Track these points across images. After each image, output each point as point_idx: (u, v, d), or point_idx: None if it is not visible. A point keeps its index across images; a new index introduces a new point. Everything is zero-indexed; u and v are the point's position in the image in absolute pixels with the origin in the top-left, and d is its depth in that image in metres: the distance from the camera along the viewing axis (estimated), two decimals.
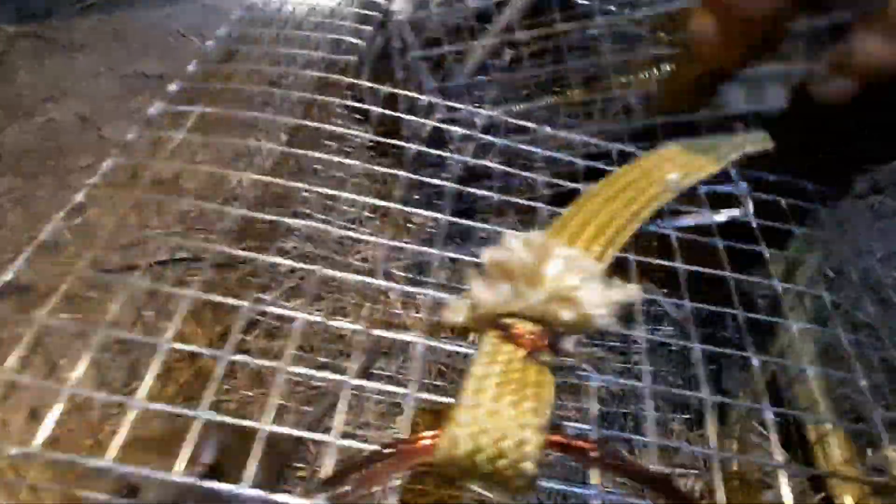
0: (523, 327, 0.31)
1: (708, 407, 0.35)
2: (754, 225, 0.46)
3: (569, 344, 0.32)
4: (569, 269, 0.31)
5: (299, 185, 0.46)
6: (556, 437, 0.29)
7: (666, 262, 0.41)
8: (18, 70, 1.37)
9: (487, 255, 0.32)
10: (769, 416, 0.36)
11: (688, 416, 0.78)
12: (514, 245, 0.31)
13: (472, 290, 0.32)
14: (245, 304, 0.36)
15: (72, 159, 1.14)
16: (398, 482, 0.56)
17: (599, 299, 0.30)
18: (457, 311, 0.33)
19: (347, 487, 0.30)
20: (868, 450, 0.62)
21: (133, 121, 0.49)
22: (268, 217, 0.43)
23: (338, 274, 0.40)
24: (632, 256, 0.41)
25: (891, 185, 1.03)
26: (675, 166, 0.47)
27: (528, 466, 0.27)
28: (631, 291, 0.32)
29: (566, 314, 0.30)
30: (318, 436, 0.32)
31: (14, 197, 1.06)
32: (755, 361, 0.37)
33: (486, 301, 0.32)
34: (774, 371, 0.66)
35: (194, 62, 0.54)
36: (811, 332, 0.58)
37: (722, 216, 0.47)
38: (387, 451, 0.30)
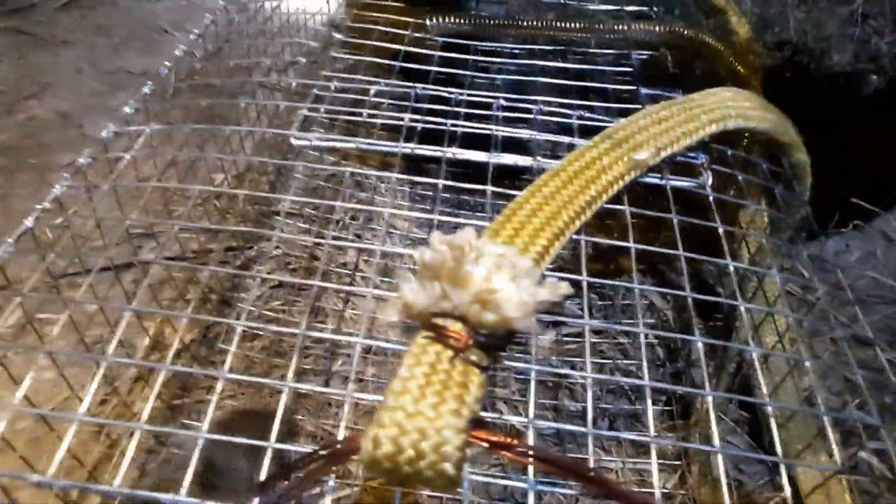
0: (452, 328, 0.31)
1: (647, 392, 0.36)
2: (710, 197, 0.46)
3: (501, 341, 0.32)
4: (498, 269, 0.32)
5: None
6: (481, 435, 0.30)
7: (618, 243, 0.41)
8: (0, 66, 1.36)
9: (418, 255, 0.33)
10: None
11: (668, 408, 0.79)
12: (441, 247, 0.31)
13: (403, 291, 0.32)
14: (237, 323, 0.37)
15: (53, 156, 1.14)
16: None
17: (521, 301, 0.30)
18: (392, 310, 0.33)
19: (281, 489, 0.31)
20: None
21: (114, 118, 0.50)
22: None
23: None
24: (583, 238, 0.41)
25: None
26: (648, 138, 0.46)
27: (447, 467, 0.28)
28: (560, 290, 0.32)
29: (488, 316, 0.30)
30: (255, 441, 0.32)
31: None
32: (699, 344, 0.38)
33: (416, 301, 0.32)
34: (741, 360, 0.66)
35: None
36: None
37: (679, 182, 0.47)
38: (319, 452, 0.31)
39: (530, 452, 0.30)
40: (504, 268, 0.32)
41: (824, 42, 0.90)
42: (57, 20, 1.52)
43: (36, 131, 1.21)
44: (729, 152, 0.51)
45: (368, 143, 0.48)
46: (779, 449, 0.36)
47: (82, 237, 0.46)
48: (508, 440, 0.30)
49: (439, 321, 0.32)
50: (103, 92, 1.32)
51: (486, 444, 0.30)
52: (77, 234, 0.48)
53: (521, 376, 0.76)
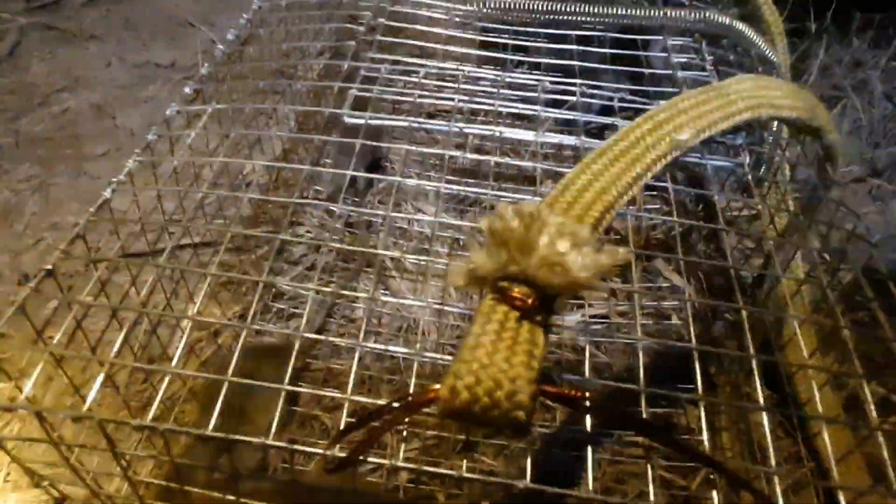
0: (518, 290, 0.34)
1: (695, 354, 0.38)
2: (749, 176, 0.48)
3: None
4: (560, 237, 0.34)
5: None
6: (549, 388, 0.32)
7: (662, 217, 0.43)
8: (32, 60, 1.39)
9: (485, 223, 0.35)
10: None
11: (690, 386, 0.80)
12: (509, 215, 0.34)
13: (472, 256, 0.35)
14: (262, 278, 0.39)
15: (88, 147, 1.17)
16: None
17: (587, 264, 0.32)
18: (458, 276, 0.36)
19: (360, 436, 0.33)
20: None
21: (146, 109, 0.52)
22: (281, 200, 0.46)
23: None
24: (630, 213, 0.43)
25: (889, 167, 1.04)
26: (688, 121, 0.48)
27: (520, 415, 0.30)
28: (619, 255, 0.34)
29: (556, 278, 0.32)
30: (331, 392, 0.35)
31: (33, 185, 1.10)
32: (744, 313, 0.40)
33: (483, 266, 0.34)
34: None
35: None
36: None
37: (718, 162, 0.49)
38: (395, 403, 0.33)
39: (599, 408, 0.32)
40: (565, 235, 0.34)
41: None
42: (84, 15, 1.55)
43: (70, 123, 1.24)
44: (764, 134, 0.53)
45: (420, 123, 0.50)
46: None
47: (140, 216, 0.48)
48: (573, 393, 0.32)
49: (504, 284, 0.34)
50: (133, 84, 1.35)
51: (551, 397, 0.32)
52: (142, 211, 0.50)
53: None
